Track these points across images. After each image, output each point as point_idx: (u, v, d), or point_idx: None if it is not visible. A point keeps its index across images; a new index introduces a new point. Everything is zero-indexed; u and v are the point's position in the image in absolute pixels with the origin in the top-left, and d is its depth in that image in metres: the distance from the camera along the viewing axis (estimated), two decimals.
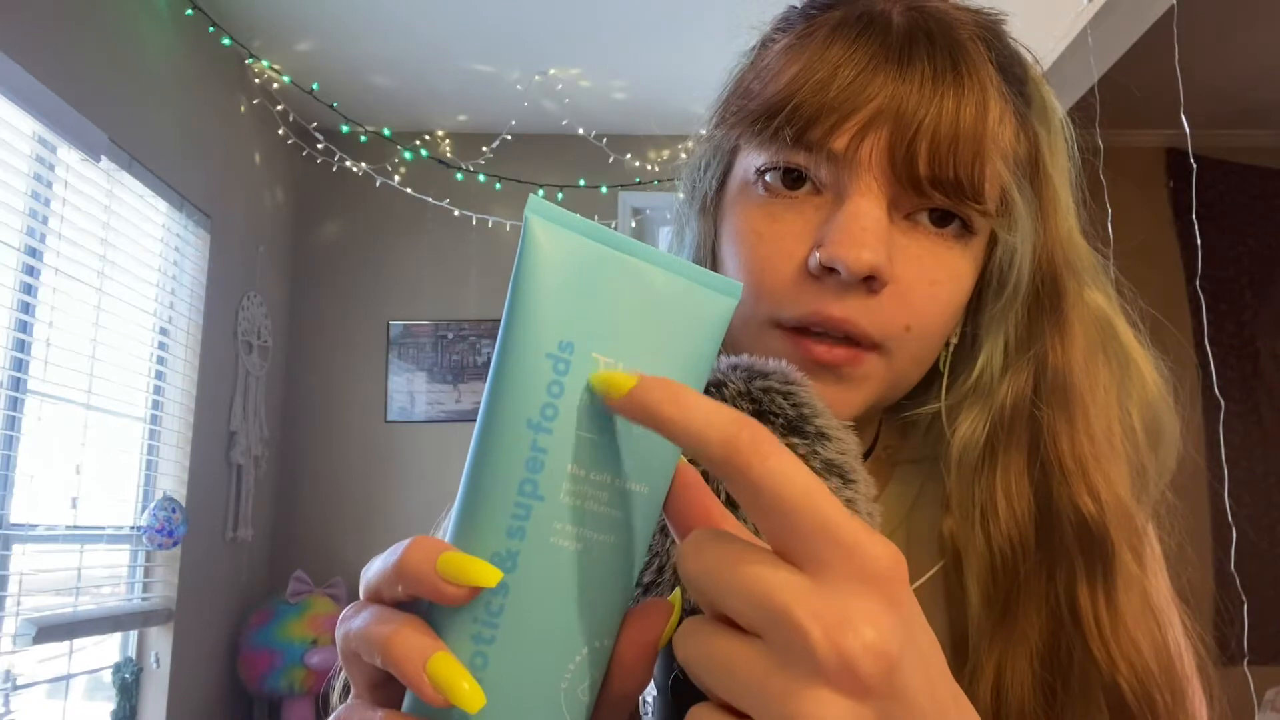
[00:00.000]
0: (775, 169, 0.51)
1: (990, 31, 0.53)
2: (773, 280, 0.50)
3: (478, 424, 0.32)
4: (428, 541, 0.31)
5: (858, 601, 0.27)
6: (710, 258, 0.57)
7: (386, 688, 0.34)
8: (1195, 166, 2.22)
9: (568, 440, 0.31)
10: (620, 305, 0.32)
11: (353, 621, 0.33)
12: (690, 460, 0.34)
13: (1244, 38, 3.05)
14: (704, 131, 0.59)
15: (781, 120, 0.49)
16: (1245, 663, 1.77)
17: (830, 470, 0.39)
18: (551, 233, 0.32)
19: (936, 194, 0.49)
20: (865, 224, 0.48)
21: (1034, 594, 0.50)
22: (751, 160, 0.53)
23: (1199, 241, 2.22)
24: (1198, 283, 2.30)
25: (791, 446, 0.39)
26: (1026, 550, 0.51)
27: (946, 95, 0.48)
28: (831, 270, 0.48)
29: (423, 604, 0.32)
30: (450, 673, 0.30)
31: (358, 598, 0.35)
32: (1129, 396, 0.55)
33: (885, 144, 0.48)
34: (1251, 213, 3.62)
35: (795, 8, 0.57)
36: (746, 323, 0.52)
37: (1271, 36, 3.04)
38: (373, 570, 0.33)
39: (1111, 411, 0.54)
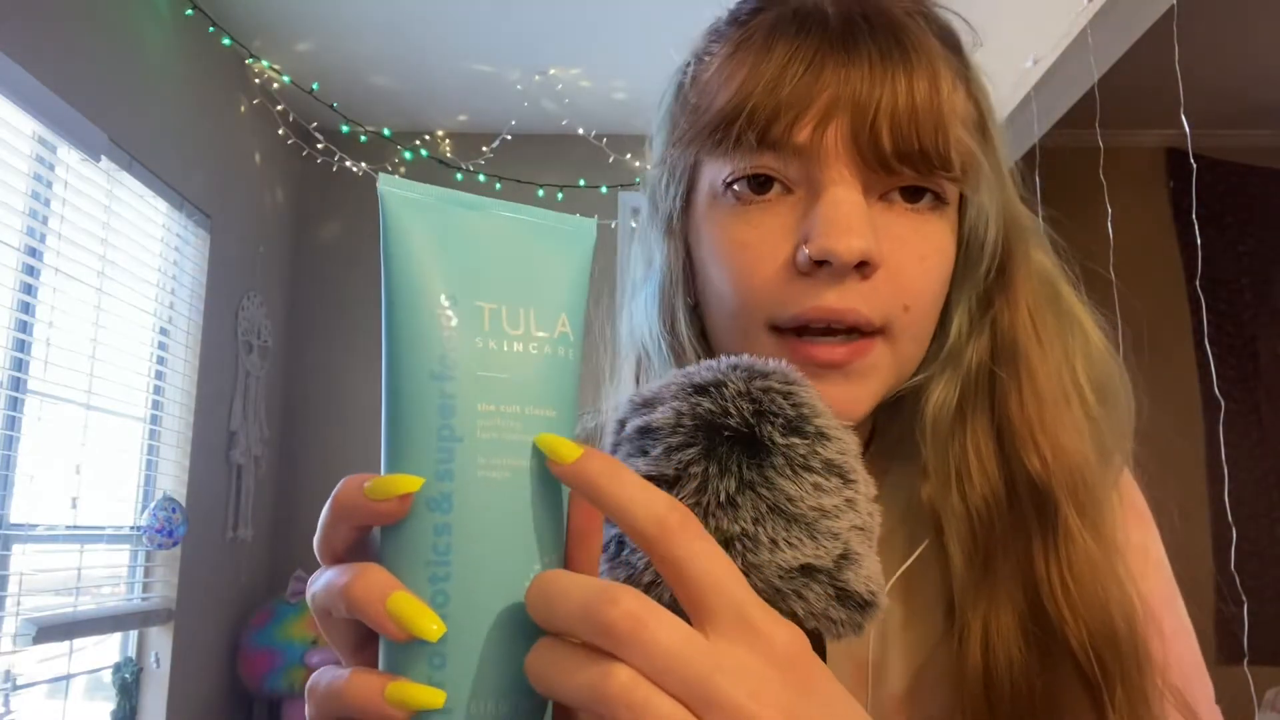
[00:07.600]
0: (742, 178, 0.51)
1: (922, 5, 0.54)
2: (763, 283, 0.50)
3: (384, 384, 0.34)
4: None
5: (752, 663, 0.30)
6: (682, 277, 0.56)
7: (366, 651, 0.34)
8: (1195, 166, 2.22)
9: (471, 382, 0.33)
10: (487, 254, 0.35)
11: (316, 583, 0.34)
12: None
13: (1244, 38, 3.05)
14: (649, 152, 0.59)
15: (741, 125, 0.49)
16: (1245, 663, 1.77)
17: (830, 470, 0.39)
18: (408, 202, 0.35)
19: (905, 169, 0.49)
20: (847, 210, 0.48)
21: (1011, 550, 0.51)
22: (715, 173, 0.52)
23: (1199, 241, 2.21)
24: (1198, 283, 2.31)
25: (792, 446, 0.39)
26: (1000, 508, 0.52)
27: (898, 74, 0.48)
28: (822, 263, 0.48)
29: (374, 547, 0.34)
30: (410, 607, 0.31)
31: None
32: (1076, 354, 0.56)
33: (847, 130, 0.48)
34: (1251, 213, 3.61)
35: (722, 18, 0.57)
36: (741, 332, 0.52)
37: (1271, 36, 3.04)
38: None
39: (1062, 371, 0.54)
